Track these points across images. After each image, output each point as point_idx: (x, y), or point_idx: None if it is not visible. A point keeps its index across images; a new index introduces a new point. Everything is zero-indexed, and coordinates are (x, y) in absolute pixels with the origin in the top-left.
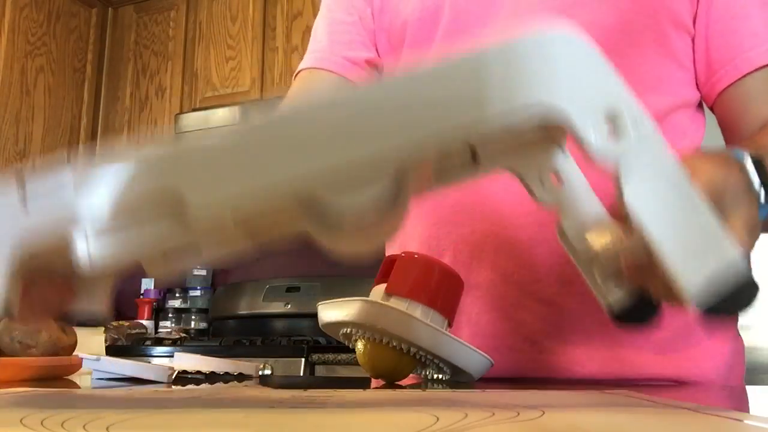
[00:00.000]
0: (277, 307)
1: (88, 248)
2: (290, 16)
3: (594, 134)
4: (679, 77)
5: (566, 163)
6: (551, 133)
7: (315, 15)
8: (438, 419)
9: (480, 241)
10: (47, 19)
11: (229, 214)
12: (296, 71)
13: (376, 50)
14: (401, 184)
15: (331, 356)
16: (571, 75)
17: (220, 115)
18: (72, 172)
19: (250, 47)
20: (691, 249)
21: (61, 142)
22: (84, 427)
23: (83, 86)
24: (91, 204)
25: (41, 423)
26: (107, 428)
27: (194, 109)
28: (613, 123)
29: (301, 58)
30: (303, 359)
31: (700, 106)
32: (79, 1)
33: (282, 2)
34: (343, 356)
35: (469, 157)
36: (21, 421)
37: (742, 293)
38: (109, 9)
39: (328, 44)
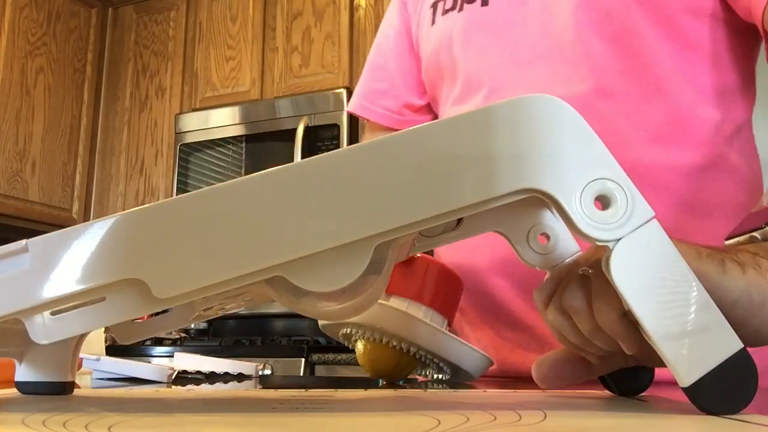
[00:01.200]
0: (277, 307)
1: (44, 322)
2: (290, 16)
3: (582, 215)
4: (706, 67)
5: (555, 224)
6: (540, 197)
7: (315, 15)
8: (439, 422)
9: (496, 248)
10: (47, 19)
11: (196, 297)
12: (349, 108)
13: (421, 85)
14: (381, 256)
15: (331, 356)
16: (558, 153)
17: (220, 115)
18: (30, 253)
19: (250, 47)
20: (687, 341)
21: (61, 142)
22: (86, 427)
23: (83, 86)
24: (49, 288)
25: (43, 423)
26: (109, 428)
27: (194, 109)
28: (603, 202)
29: (301, 58)
30: (303, 359)
31: (745, 86)
32: (79, 1)
33: (282, 2)
34: (343, 356)
35: (454, 223)
36: (23, 421)
37: (739, 392)
38: (109, 9)
39: (368, 91)
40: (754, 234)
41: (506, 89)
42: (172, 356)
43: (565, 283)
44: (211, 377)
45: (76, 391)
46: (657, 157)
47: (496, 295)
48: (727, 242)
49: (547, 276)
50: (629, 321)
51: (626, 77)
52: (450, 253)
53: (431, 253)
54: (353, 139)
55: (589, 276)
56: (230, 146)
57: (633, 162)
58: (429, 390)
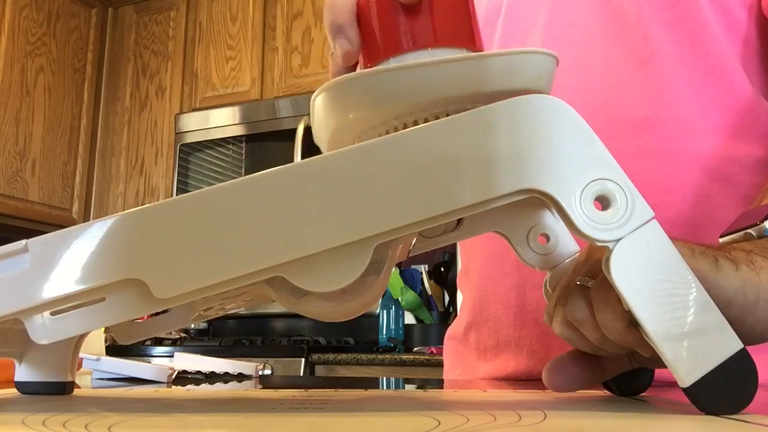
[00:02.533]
0: (277, 307)
1: (44, 323)
2: (290, 16)
3: (582, 216)
4: (758, 62)
5: (555, 224)
6: (539, 198)
7: (315, 15)
8: (439, 423)
9: None
10: (47, 19)
11: (196, 297)
12: None
13: None
14: (381, 256)
15: (331, 356)
16: (558, 153)
17: (220, 115)
18: (30, 254)
19: (250, 47)
20: (687, 342)
21: (61, 142)
22: (86, 427)
23: (83, 86)
24: (48, 288)
25: (42, 423)
26: (109, 428)
27: (194, 109)
28: (603, 202)
29: (301, 58)
30: (303, 359)
31: None
32: (79, 1)
33: (282, 2)
34: (343, 356)
35: (454, 224)
36: (23, 421)
37: (740, 392)
38: (109, 9)
39: None
40: (749, 231)
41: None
42: (172, 356)
43: (565, 293)
44: (211, 377)
45: (76, 391)
46: (719, 148)
47: (540, 292)
48: (722, 239)
49: (546, 277)
50: (636, 328)
51: (686, 65)
52: (487, 245)
53: (449, 250)
54: None
55: (588, 287)
56: (230, 146)
57: (695, 151)
58: (429, 390)
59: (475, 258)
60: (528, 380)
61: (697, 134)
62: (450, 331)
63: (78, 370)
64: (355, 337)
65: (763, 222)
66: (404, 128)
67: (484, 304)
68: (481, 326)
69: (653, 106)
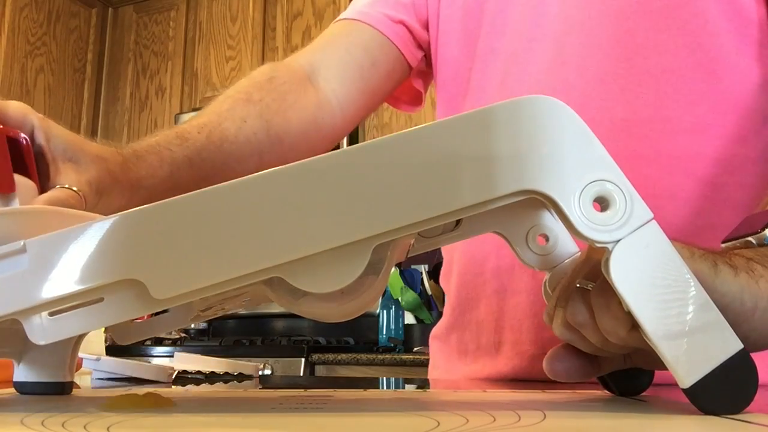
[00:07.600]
0: (276, 307)
1: (42, 323)
2: (290, 16)
3: (581, 217)
4: (758, 51)
5: (555, 225)
6: (539, 198)
7: (315, 15)
8: (439, 423)
9: None
10: (47, 19)
11: (194, 297)
12: (335, 20)
13: (427, 29)
14: (380, 257)
15: (331, 356)
16: (557, 154)
17: None
18: (28, 254)
19: (250, 47)
20: (687, 342)
21: None
22: (85, 427)
23: (83, 86)
24: (47, 288)
25: (42, 423)
26: (108, 428)
27: (194, 109)
28: (602, 203)
29: None
30: (303, 359)
31: None
32: (79, 1)
33: (282, 2)
34: (343, 356)
35: (453, 224)
36: (21, 421)
37: (740, 393)
38: (109, 9)
39: (370, 3)
40: (749, 239)
41: (534, 71)
42: (172, 356)
43: (565, 296)
44: (211, 377)
45: (75, 391)
46: (705, 148)
47: (527, 294)
48: (724, 245)
49: (545, 278)
50: (638, 330)
51: (677, 56)
52: (466, 249)
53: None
54: (353, 139)
55: (589, 290)
56: None
57: (678, 153)
58: (429, 390)
59: (455, 261)
60: (504, 380)
61: (683, 132)
62: (434, 330)
63: (78, 370)
64: (355, 337)
65: (763, 230)
66: None
67: (464, 307)
68: (463, 330)
69: (640, 102)
